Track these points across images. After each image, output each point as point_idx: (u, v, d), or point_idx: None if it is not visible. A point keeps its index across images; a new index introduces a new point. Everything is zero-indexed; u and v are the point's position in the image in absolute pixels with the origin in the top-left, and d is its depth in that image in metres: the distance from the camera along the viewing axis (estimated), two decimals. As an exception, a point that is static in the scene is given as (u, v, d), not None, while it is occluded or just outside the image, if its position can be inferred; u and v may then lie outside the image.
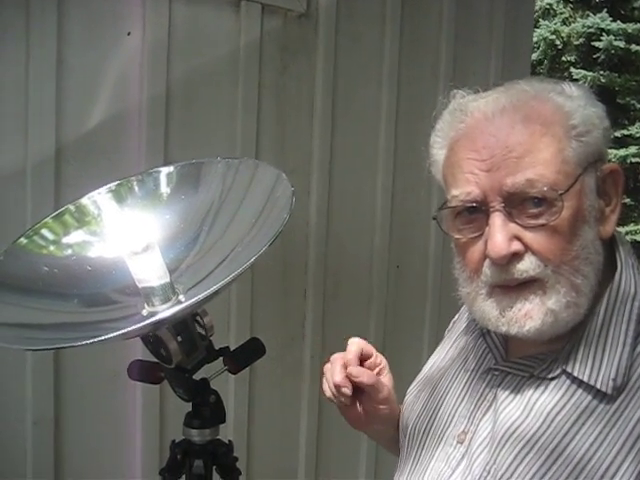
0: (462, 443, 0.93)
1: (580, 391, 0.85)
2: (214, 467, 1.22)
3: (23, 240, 1.16)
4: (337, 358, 1.03)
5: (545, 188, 0.81)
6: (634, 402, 0.82)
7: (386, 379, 1.07)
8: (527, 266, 0.83)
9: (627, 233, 10.51)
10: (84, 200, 1.20)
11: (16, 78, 1.54)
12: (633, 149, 11.21)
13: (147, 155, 1.71)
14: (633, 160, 11.18)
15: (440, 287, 2.41)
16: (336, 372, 1.01)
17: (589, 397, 0.84)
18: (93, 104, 1.65)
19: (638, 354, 0.84)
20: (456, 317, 1.14)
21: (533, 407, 0.87)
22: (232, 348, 1.24)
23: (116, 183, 1.22)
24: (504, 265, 0.84)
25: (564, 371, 0.87)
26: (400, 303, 2.34)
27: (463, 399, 0.97)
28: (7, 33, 1.53)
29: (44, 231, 1.17)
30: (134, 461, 1.74)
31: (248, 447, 1.97)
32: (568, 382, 0.86)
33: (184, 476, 1.22)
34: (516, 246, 0.83)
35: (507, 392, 0.91)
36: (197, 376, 1.20)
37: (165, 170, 1.24)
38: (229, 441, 1.27)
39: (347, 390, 1.00)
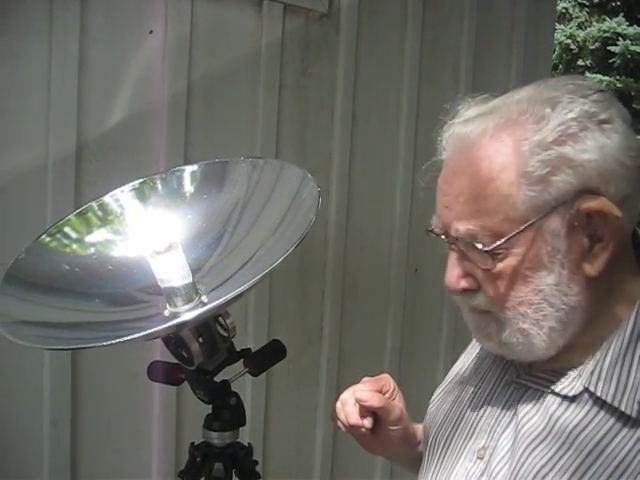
0: (482, 459, 0.89)
1: (603, 412, 0.81)
2: (233, 470, 1.21)
3: (45, 238, 1.15)
4: (347, 399, 1.03)
5: (486, 240, 0.80)
6: None
7: (396, 400, 1.06)
8: (478, 302, 0.85)
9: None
10: (107, 198, 1.19)
11: (38, 75, 1.53)
12: (649, 155, 11.12)
13: (167, 154, 1.70)
14: (648, 166, 11.09)
15: (458, 291, 2.39)
16: (349, 413, 1.01)
17: (613, 419, 0.80)
18: (114, 102, 1.65)
19: None
20: None
21: (555, 424, 0.83)
22: (250, 349, 1.23)
23: (139, 181, 1.20)
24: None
25: (587, 389, 0.83)
26: (418, 307, 2.32)
27: (484, 413, 0.94)
28: (30, 30, 1.53)
29: (67, 229, 1.16)
30: (151, 462, 1.73)
31: (264, 449, 1.96)
32: (591, 401, 0.82)
33: (203, 479, 1.21)
34: (466, 284, 0.85)
35: (528, 407, 0.87)
36: (217, 378, 1.18)
37: (189, 169, 1.23)
38: (249, 444, 1.25)
39: (364, 430, 1.01)
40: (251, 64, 1.86)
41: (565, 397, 0.84)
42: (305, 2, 1.94)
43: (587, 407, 0.82)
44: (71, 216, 1.18)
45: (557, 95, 0.81)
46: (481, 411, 0.94)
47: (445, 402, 1.04)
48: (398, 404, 1.05)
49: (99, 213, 1.18)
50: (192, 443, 1.24)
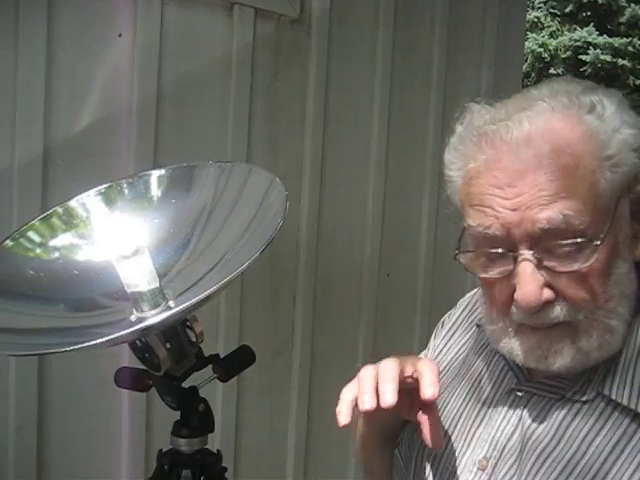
0: (484, 470, 0.86)
1: (616, 415, 0.79)
2: (202, 477, 1.20)
3: (9, 242, 1.13)
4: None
5: (580, 233, 0.75)
6: None
7: None
8: (558, 313, 0.78)
9: None
10: (72, 202, 1.18)
11: (4, 79, 1.52)
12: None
13: (136, 158, 1.69)
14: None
15: (430, 296, 2.40)
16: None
17: (627, 421, 0.79)
18: (82, 106, 1.63)
19: None
20: (445, 318, 1.09)
21: (565, 432, 0.81)
22: (221, 355, 1.22)
23: (106, 186, 1.19)
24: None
25: (600, 393, 0.81)
26: (390, 311, 2.32)
27: (481, 422, 0.90)
28: (-5, 33, 1.51)
29: (31, 233, 1.14)
30: (119, 470, 1.71)
31: (236, 455, 1.94)
32: (603, 405, 0.81)
33: (171, 486, 1.19)
34: (547, 294, 0.78)
35: (534, 415, 0.84)
36: (186, 384, 1.17)
37: (156, 173, 1.22)
38: (217, 451, 1.24)
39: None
40: (222, 68, 1.86)
41: (575, 402, 0.82)
42: (276, 7, 1.94)
43: (599, 411, 0.81)
44: (35, 221, 1.15)
45: (585, 91, 0.81)
46: (477, 421, 0.90)
47: None
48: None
49: (64, 217, 1.16)
50: (160, 450, 1.22)
